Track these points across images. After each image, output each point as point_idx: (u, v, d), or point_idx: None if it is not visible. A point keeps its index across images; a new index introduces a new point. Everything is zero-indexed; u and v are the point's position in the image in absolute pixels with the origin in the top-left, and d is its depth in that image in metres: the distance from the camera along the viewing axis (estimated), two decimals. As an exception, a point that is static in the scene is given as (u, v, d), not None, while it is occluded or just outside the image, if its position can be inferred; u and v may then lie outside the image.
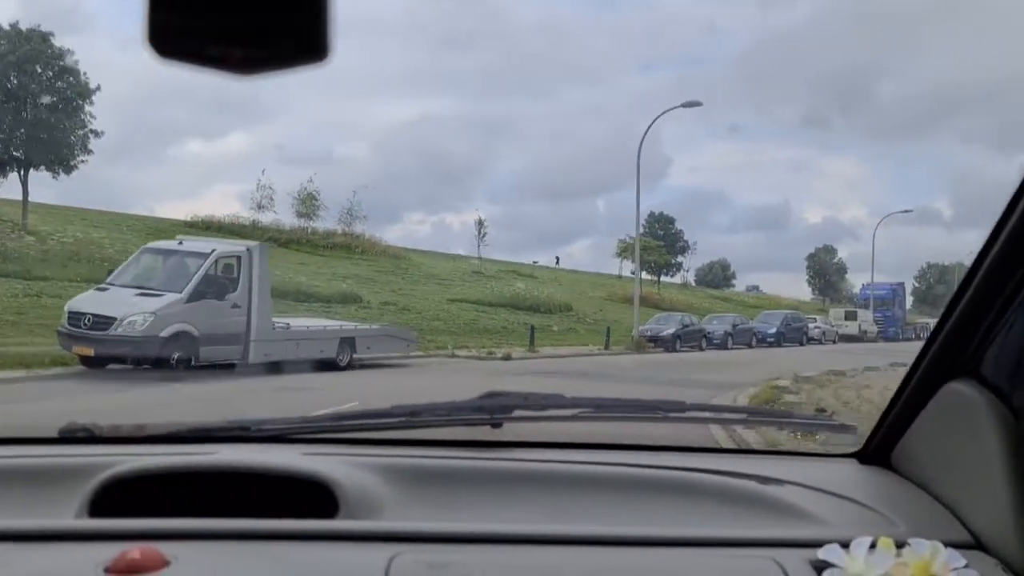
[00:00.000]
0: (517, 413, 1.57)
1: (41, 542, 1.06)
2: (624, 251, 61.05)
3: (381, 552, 1.02)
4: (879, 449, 1.48)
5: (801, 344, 36.07)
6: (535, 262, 59.78)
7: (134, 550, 0.96)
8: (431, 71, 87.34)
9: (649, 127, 29.58)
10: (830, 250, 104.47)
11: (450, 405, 1.59)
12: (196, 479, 1.28)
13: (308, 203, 44.00)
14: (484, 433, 1.57)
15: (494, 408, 1.57)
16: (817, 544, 1.03)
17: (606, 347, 25.74)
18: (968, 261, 1.21)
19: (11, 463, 1.39)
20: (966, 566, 0.96)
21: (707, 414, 1.73)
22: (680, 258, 73.50)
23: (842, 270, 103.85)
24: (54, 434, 1.54)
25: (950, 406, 1.24)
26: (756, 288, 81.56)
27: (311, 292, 30.50)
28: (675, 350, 27.71)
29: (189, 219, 39.71)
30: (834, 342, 40.04)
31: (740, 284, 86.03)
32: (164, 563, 0.96)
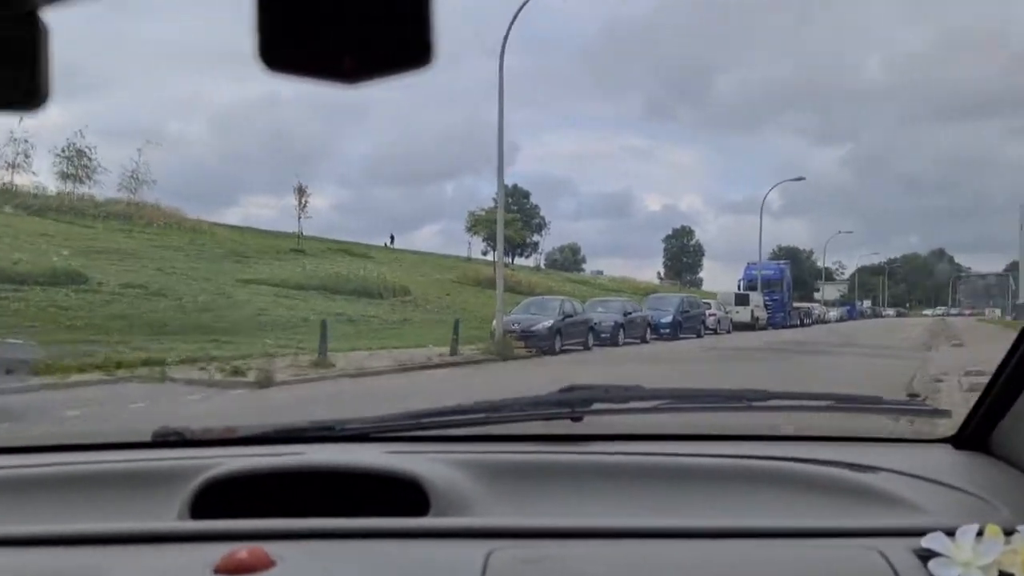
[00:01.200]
0: (597, 406, 1.56)
1: (148, 544, 1.07)
2: (475, 225, 52.45)
3: (478, 548, 1.02)
4: (976, 434, 1.44)
5: (699, 335, 28.45)
6: (386, 244, 50.58)
7: (241, 550, 0.96)
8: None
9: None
10: (687, 232, 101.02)
11: (529, 400, 1.58)
12: (287, 479, 1.30)
13: (76, 162, 33.21)
14: (563, 427, 1.53)
15: (574, 402, 1.55)
16: (919, 532, 1.01)
17: (453, 351, 16.61)
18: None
19: (107, 467, 1.42)
20: None
21: (791, 402, 1.64)
22: (536, 237, 65.68)
23: (699, 252, 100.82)
24: (147, 438, 1.55)
25: None
26: (601, 272, 77.56)
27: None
28: (555, 351, 19.00)
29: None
30: (728, 332, 32.98)
31: (588, 269, 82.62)
32: (271, 563, 0.96)
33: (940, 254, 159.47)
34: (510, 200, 67.64)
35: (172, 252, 30.12)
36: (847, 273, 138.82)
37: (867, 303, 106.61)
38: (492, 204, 66.40)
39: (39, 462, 1.44)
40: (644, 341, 24.34)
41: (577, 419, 1.53)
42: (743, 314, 36.44)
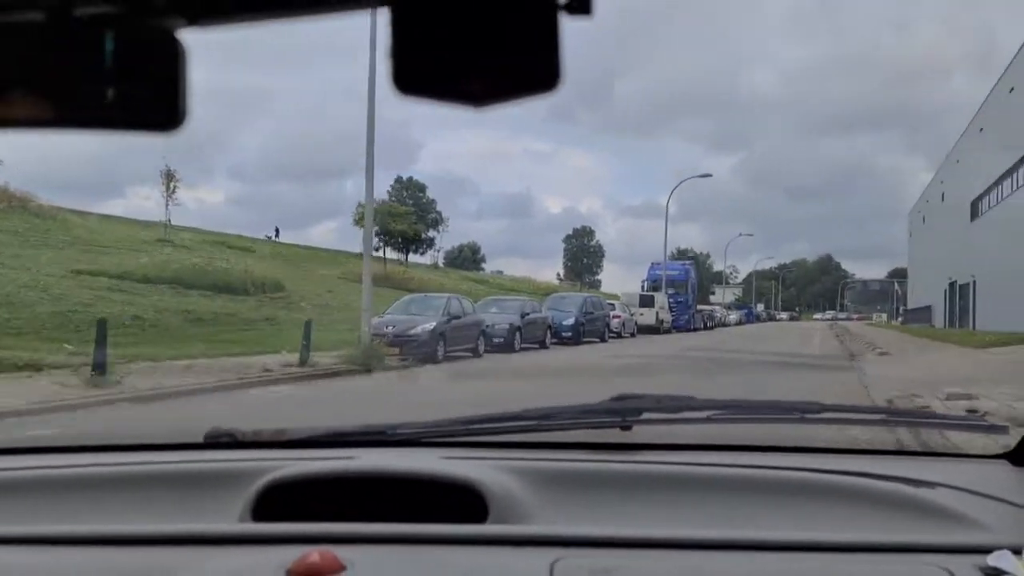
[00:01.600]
0: (647, 416, 1.54)
1: (215, 545, 1.07)
2: (363, 218, 48.72)
3: (543, 557, 1.03)
4: None
5: (603, 340, 25.80)
6: (269, 237, 46.31)
7: (313, 553, 0.96)
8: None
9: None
10: (588, 232, 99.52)
11: (580, 408, 1.57)
12: (344, 484, 1.30)
13: None
14: (613, 435, 1.53)
15: (625, 411, 1.54)
16: (984, 550, 1.00)
17: (303, 361, 13.14)
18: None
19: (161, 468, 1.41)
20: None
21: (845, 415, 1.62)
22: (432, 232, 62.18)
23: (599, 253, 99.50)
24: (199, 439, 1.54)
25: None
26: (500, 272, 76.96)
27: None
28: (436, 359, 15.81)
29: None
30: (633, 335, 30.58)
31: (489, 269, 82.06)
32: (341, 567, 0.96)
33: (827, 260, 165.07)
34: (405, 193, 63.97)
35: (3, 236, 25.61)
36: (740, 277, 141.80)
37: (761, 307, 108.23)
38: (387, 198, 62.75)
39: (92, 462, 1.44)
40: (544, 346, 21.45)
41: (627, 428, 1.53)
42: (648, 316, 34.18)
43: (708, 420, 1.52)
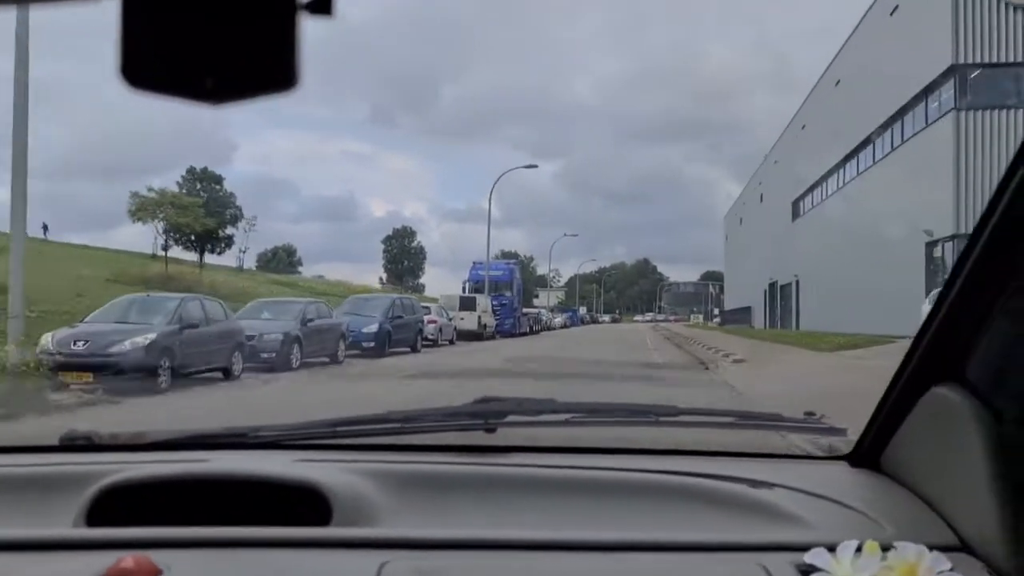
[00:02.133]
0: (511, 418, 1.55)
1: (38, 551, 1.06)
2: (140, 210, 41.27)
3: (372, 559, 1.02)
4: (869, 452, 1.46)
5: (414, 349, 21.52)
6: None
7: (127, 559, 0.96)
8: None
9: None
10: (408, 232, 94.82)
11: (444, 411, 1.58)
12: (191, 487, 1.28)
13: None
14: (477, 438, 1.51)
15: (488, 413, 1.54)
16: (804, 548, 1.03)
17: None
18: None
19: (10, 471, 1.39)
20: (952, 569, 0.96)
21: (699, 418, 1.68)
22: (231, 229, 55.37)
23: (421, 255, 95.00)
24: (55, 442, 1.51)
25: (935, 410, 1.24)
26: (322, 277, 73.84)
27: None
28: (159, 388, 10.84)
29: None
30: (452, 342, 26.61)
31: (308, 273, 78.49)
32: (156, 572, 0.96)
33: (645, 264, 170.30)
34: (199, 186, 56.65)
35: None
36: (563, 280, 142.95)
37: (584, 309, 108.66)
38: (177, 188, 55.19)
39: None
40: (335, 361, 16.84)
41: (491, 431, 1.52)
42: (469, 320, 30.27)
43: (568, 423, 1.57)
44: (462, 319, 30.11)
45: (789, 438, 1.78)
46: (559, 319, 62.71)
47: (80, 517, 1.21)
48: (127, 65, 0.41)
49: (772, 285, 49.53)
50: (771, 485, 1.33)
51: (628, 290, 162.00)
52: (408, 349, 21.10)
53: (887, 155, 29.32)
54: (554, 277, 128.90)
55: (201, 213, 46.23)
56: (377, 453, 1.48)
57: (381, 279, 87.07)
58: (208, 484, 1.27)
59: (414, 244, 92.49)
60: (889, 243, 26.07)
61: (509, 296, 36.96)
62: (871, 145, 30.95)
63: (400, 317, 20.85)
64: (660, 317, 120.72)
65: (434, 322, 24.71)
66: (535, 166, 39.66)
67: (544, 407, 1.58)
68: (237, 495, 1.24)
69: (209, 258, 59.53)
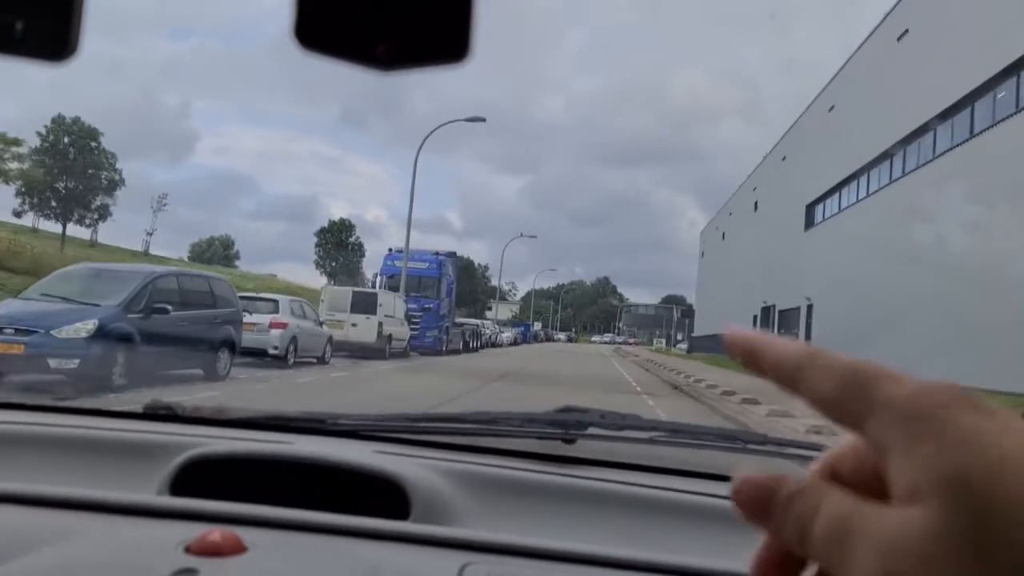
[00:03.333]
0: (592, 431, 1.55)
1: (124, 515, 1.08)
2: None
3: (453, 559, 1.03)
4: None
5: (213, 375, 11.62)
6: None
7: (215, 532, 0.96)
8: None
9: None
10: (347, 226, 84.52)
11: (526, 416, 1.59)
12: (271, 467, 1.31)
13: None
14: (555, 447, 1.52)
15: (570, 423, 1.55)
16: None
17: None
18: None
19: (96, 434, 1.43)
20: None
21: (789, 449, 1.61)
22: (107, 199, 44.77)
23: (359, 251, 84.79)
24: (139, 409, 1.57)
25: None
26: (275, 276, 68.20)
27: None
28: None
29: None
30: (324, 360, 16.95)
31: (263, 272, 73.25)
32: (242, 548, 0.96)
33: (605, 283, 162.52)
34: (67, 140, 46.20)
35: None
36: (519, 295, 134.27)
37: (539, 325, 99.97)
38: (39, 140, 44.68)
39: (31, 420, 1.46)
40: None
41: (570, 441, 1.53)
42: (364, 329, 20.53)
43: (651, 441, 1.56)
44: (354, 326, 20.39)
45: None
46: (508, 334, 53.12)
47: (164, 486, 1.24)
48: (301, 27, 0.41)
49: (767, 310, 40.61)
50: None
51: (586, 309, 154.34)
52: (200, 371, 11.28)
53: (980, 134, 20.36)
54: (510, 290, 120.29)
55: (52, 171, 35.78)
56: (455, 452, 1.47)
57: (325, 273, 77.19)
58: (289, 466, 1.30)
59: (352, 239, 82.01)
60: (987, 262, 17.14)
61: (435, 299, 27.18)
62: (950, 122, 21.98)
63: (167, 309, 10.67)
64: (620, 339, 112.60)
65: (281, 326, 14.88)
66: (482, 119, 29.45)
67: (628, 422, 1.58)
68: (315, 480, 1.26)
69: (85, 233, 48.86)
